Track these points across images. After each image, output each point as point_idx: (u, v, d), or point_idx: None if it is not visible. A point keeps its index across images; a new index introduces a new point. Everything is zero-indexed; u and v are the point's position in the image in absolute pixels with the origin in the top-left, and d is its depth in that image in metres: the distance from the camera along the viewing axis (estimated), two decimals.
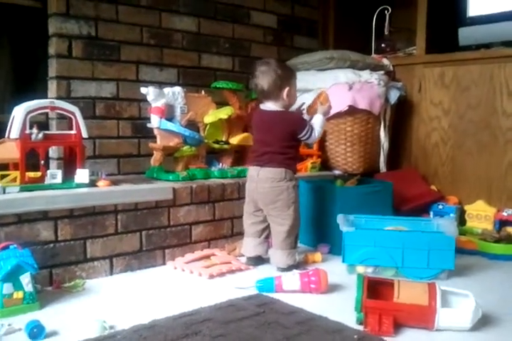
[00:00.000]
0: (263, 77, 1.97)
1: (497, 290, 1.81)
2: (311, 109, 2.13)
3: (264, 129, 2.00)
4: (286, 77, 1.99)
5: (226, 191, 2.23)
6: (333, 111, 2.57)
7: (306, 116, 2.09)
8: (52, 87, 2.26)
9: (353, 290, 1.54)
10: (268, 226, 2.04)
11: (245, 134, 2.46)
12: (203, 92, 2.43)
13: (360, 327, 1.45)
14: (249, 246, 2.06)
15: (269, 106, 2.01)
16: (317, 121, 2.05)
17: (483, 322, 1.49)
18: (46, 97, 2.22)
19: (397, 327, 1.45)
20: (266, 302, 1.63)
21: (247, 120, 2.43)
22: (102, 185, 1.95)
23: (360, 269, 1.91)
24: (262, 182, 1.97)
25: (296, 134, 1.99)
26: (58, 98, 2.17)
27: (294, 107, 2.12)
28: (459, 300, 1.51)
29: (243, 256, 2.09)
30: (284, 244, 1.98)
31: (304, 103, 2.16)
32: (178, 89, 2.26)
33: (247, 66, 2.75)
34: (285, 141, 1.98)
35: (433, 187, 2.84)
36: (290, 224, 1.97)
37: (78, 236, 1.83)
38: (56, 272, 1.77)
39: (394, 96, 2.83)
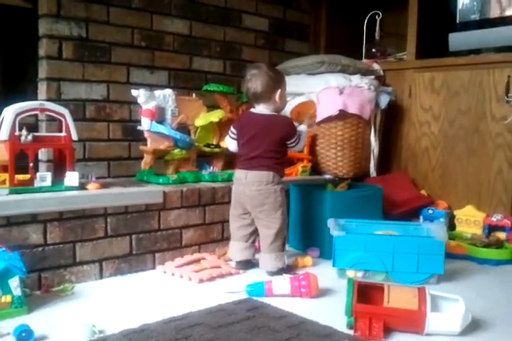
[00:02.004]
0: (255, 80, 1.97)
1: (486, 294, 1.81)
2: (298, 116, 2.15)
3: (254, 132, 1.99)
4: (278, 79, 2.00)
5: (217, 195, 2.23)
6: (323, 116, 2.61)
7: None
8: (42, 88, 2.25)
9: (343, 294, 1.54)
10: (256, 231, 2.03)
11: None
12: (193, 95, 2.43)
13: (351, 332, 1.45)
14: (235, 250, 2.06)
15: (260, 109, 2.02)
16: (304, 132, 2.10)
17: (473, 326, 1.49)
18: (36, 99, 2.21)
19: (387, 331, 1.45)
20: (256, 306, 1.62)
21: None
22: (92, 188, 1.93)
23: (351, 273, 1.91)
24: (249, 185, 1.97)
25: (286, 140, 2.00)
26: (48, 100, 2.16)
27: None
28: (448, 305, 1.51)
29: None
30: (272, 248, 1.97)
31: None
32: (169, 91, 2.26)
33: (239, 69, 2.76)
34: (275, 146, 1.98)
35: (423, 191, 2.85)
36: (278, 227, 1.97)
37: (67, 240, 1.81)
38: (45, 276, 1.76)
39: (384, 101, 2.84)
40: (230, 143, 2.11)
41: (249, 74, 2.00)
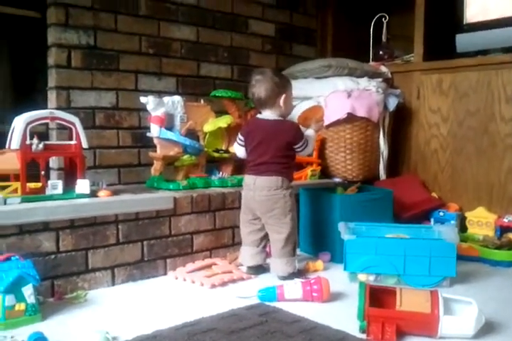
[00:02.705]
0: (260, 86, 1.98)
1: (499, 296, 1.81)
2: (305, 120, 2.15)
3: (261, 138, 1.99)
4: (283, 84, 2.00)
5: (227, 200, 2.23)
6: (332, 119, 2.60)
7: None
8: (51, 97, 2.26)
9: (355, 298, 1.54)
10: (266, 235, 2.04)
11: None
12: (202, 101, 2.44)
13: (363, 336, 1.45)
14: (247, 255, 2.06)
15: (266, 115, 2.02)
16: (311, 136, 2.09)
17: (487, 329, 1.49)
18: (46, 108, 2.22)
19: (400, 335, 1.45)
20: (268, 311, 1.63)
21: None
22: (103, 195, 1.95)
23: (362, 277, 1.91)
24: (258, 190, 1.97)
25: (293, 145, 2.00)
26: (58, 108, 2.17)
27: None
28: (461, 308, 1.50)
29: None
30: (283, 252, 1.98)
31: None
32: (177, 98, 2.27)
33: (246, 75, 2.74)
34: (282, 151, 1.98)
35: (433, 194, 2.84)
36: (288, 232, 1.97)
37: (80, 247, 1.82)
38: (58, 283, 1.77)
39: (392, 103, 2.83)
40: (238, 150, 2.12)
41: (254, 79, 2.01)
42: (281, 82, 2.00)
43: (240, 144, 2.09)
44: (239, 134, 2.09)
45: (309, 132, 2.11)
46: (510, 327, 1.53)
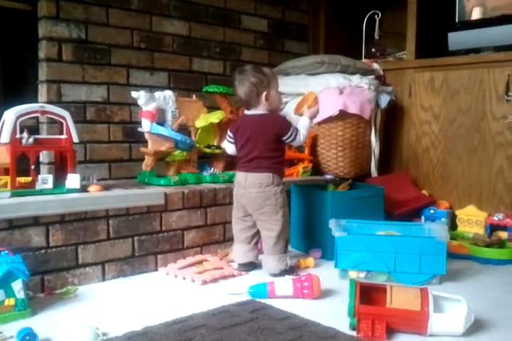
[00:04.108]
0: (240, 87, 1.98)
1: (489, 294, 1.81)
2: (299, 109, 2.14)
3: (249, 134, 1.99)
4: (262, 83, 1.97)
5: (218, 196, 2.23)
6: (324, 116, 2.60)
7: (294, 116, 2.08)
8: (42, 90, 2.24)
9: (345, 295, 1.54)
10: (258, 232, 2.03)
11: None
12: (194, 96, 2.43)
13: (353, 333, 1.45)
14: (239, 252, 2.06)
15: (253, 111, 2.02)
16: (303, 124, 2.05)
17: (476, 326, 1.49)
18: (36, 101, 2.20)
19: (390, 332, 1.45)
20: (259, 308, 1.63)
21: None
22: (94, 190, 1.93)
23: (353, 274, 1.92)
24: (249, 187, 1.97)
25: (281, 136, 1.98)
26: (49, 102, 2.15)
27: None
28: (451, 305, 1.51)
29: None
30: (274, 249, 1.98)
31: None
32: (169, 93, 2.25)
33: None
34: (271, 144, 1.97)
35: (424, 191, 2.85)
36: (279, 229, 1.97)
37: (70, 242, 1.81)
38: (48, 278, 1.76)
39: (384, 100, 2.84)
40: (227, 147, 2.11)
41: (235, 80, 2.00)
42: (259, 81, 1.96)
43: (229, 141, 2.08)
44: (228, 131, 2.08)
45: (302, 120, 2.07)
46: (500, 325, 1.54)
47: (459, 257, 2.20)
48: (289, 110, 2.25)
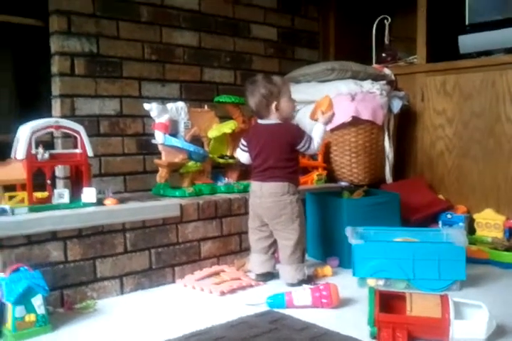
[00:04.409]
0: (250, 98, 1.98)
1: (511, 299, 1.79)
2: (314, 115, 2.12)
3: (262, 143, 1.98)
4: (272, 94, 1.96)
5: (233, 206, 2.23)
6: (336, 123, 2.59)
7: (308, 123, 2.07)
8: (56, 105, 2.27)
9: (364, 303, 1.53)
10: (275, 242, 2.03)
11: None
12: (205, 107, 2.44)
13: None
14: (256, 262, 2.05)
15: (265, 120, 2.01)
16: (317, 131, 2.04)
17: (498, 332, 1.47)
18: (50, 116, 2.23)
19: (412, 340, 1.44)
20: (278, 318, 1.62)
21: None
22: (109, 203, 1.94)
23: (371, 282, 1.90)
24: (265, 197, 1.96)
25: (295, 145, 1.98)
26: (63, 116, 2.18)
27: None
28: (472, 312, 1.50)
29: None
30: (291, 259, 1.97)
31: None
32: (181, 104, 2.26)
33: None
34: (284, 154, 1.97)
35: (440, 196, 2.82)
36: (296, 238, 1.96)
37: (88, 256, 1.82)
38: (67, 293, 1.76)
39: (397, 105, 2.83)
40: (241, 156, 2.11)
41: (246, 90, 2.01)
42: (269, 92, 1.95)
43: (242, 150, 2.08)
44: (242, 140, 2.09)
45: (317, 127, 2.05)
46: None
47: (479, 262, 2.18)
48: (301, 117, 2.24)
